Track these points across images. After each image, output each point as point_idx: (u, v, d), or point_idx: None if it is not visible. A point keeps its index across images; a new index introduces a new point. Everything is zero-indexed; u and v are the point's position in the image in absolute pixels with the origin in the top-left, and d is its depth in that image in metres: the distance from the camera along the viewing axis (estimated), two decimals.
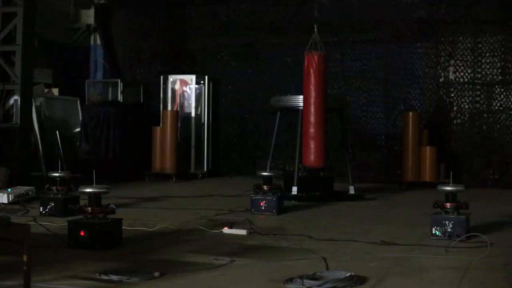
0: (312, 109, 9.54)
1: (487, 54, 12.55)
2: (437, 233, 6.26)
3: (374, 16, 13.15)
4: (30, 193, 8.90)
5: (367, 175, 12.65)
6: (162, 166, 12.83)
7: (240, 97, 14.13)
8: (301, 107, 9.76)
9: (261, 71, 13.95)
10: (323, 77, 9.60)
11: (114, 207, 5.80)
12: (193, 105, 13.68)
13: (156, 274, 4.56)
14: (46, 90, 12.88)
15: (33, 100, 10.73)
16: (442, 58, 12.86)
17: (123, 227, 5.96)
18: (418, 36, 12.98)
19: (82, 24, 14.88)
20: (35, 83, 11.60)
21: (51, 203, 7.62)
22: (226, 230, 6.49)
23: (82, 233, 5.60)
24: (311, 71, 9.57)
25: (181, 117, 13.36)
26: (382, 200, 10.02)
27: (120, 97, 14.00)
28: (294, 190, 9.63)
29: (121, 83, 14.07)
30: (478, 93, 12.63)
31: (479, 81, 12.62)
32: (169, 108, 13.54)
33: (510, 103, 12.43)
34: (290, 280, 4.42)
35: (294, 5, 13.58)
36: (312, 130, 9.55)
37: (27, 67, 10.25)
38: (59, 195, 7.70)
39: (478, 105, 12.63)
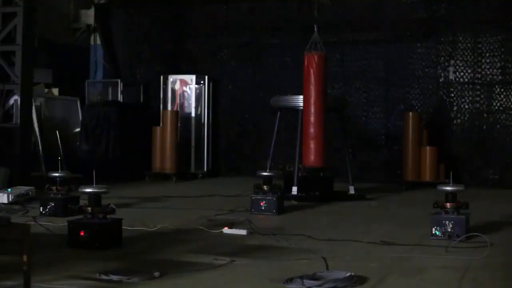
0: (312, 109, 9.56)
1: (487, 54, 12.54)
2: (437, 233, 6.26)
3: (374, 16, 13.13)
4: (30, 193, 8.90)
5: (367, 175, 12.63)
6: (162, 166, 12.81)
7: (240, 97, 14.11)
8: (301, 107, 9.77)
9: (261, 71, 13.94)
10: (323, 77, 9.61)
11: (114, 207, 5.80)
12: (193, 105, 13.67)
13: (156, 274, 4.56)
14: (46, 90, 12.88)
15: (33, 100, 10.72)
16: (442, 58, 12.85)
17: (123, 227, 5.96)
18: (418, 36, 12.97)
19: (82, 24, 14.88)
20: (35, 83, 11.60)
21: (51, 203, 7.62)
22: (226, 230, 6.48)
23: (82, 233, 5.60)
24: (311, 71, 9.58)
25: (181, 117, 13.35)
26: (382, 200, 10.01)
27: (120, 97, 14.00)
28: (294, 190, 9.62)
29: (121, 83, 14.06)
30: (478, 93, 12.62)
31: (479, 81, 12.61)
32: (169, 108, 13.53)
33: (510, 103, 12.41)
34: (290, 280, 4.42)
35: (294, 5, 13.57)
36: (312, 130, 9.56)
37: (27, 67, 10.24)
38: (59, 195, 7.70)
39: (478, 105, 12.62)
